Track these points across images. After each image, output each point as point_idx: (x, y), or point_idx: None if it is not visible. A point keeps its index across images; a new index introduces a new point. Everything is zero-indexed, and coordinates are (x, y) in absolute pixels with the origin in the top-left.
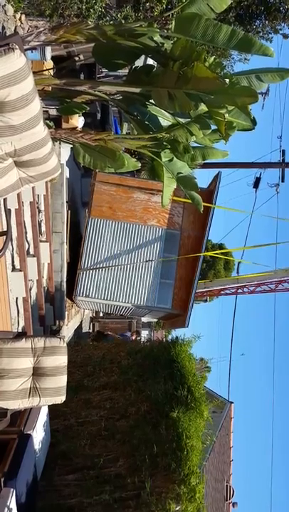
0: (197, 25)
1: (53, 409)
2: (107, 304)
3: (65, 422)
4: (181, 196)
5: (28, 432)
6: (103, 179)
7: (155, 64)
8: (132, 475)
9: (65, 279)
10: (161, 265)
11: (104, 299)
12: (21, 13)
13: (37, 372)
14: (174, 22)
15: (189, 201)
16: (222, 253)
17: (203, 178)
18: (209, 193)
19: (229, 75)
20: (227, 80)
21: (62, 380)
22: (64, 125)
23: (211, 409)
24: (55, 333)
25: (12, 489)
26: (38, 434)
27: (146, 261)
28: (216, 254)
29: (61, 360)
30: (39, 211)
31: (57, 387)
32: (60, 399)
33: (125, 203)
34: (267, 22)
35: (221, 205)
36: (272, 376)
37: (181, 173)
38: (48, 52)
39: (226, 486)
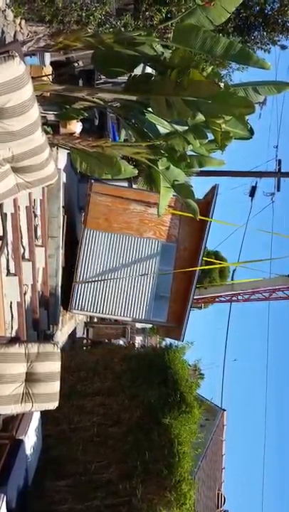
0: (196, 37)
1: (45, 414)
2: (102, 316)
3: (58, 428)
4: (178, 208)
5: (20, 437)
6: (99, 190)
7: (154, 72)
8: (124, 481)
9: (60, 284)
10: (157, 278)
11: (99, 313)
12: (21, 19)
13: (30, 378)
14: (173, 32)
15: (186, 214)
16: (218, 262)
17: (199, 187)
18: (206, 205)
19: (227, 85)
20: (222, 84)
21: (55, 386)
22: (62, 130)
23: (204, 416)
24: (49, 337)
25: (3, 495)
26: (30, 440)
27: (142, 275)
28: (212, 267)
29: (54, 365)
30: (35, 216)
31: (50, 393)
32: (53, 405)
33: (121, 214)
34: (265, 33)
35: (217, 213)
36: (266, 383)
37: (177, 180)
38: (47, 57)
39: (218, 493)
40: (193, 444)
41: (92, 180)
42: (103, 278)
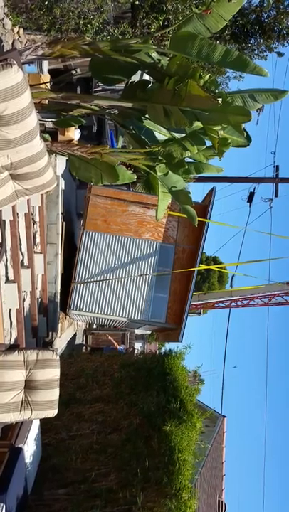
0: (192, 44)
1: (44, 422)
2: (100, 317)
3: (57, 436)
4: (175, 210)
5: (20, 446)
6: (98, 192)
7: (151, 79)
8: (124, 489)
9: (59, 291)
10: (155, 279)
11: (98, 313)
12: (19, 27)
13: (29, 385)
14: (169, 40)
15: (184, 216)
16: (216, 266)
17: (197, 191)
18: (204, 208)
19: (224, 93)
20: (220, 100)
21: (54, 394)
22: (60, 138)
23: (203, 423)
24: (47, 345)
25: (2, 504)
26: (30, 448)
27: (141, 275)
28: (210, 267)
29: (54, 373)
30: (34, 222)
31: (49, 401)
32: (52, 412)
33: (120, 216)
34: (262, 41)
35: (215, 219)
36: (266, 390)
37: (175, 187)
38: (45, 65)
39: (219, 501)
40: (193, 452)
41: (92, 183)
42: (102, 279)
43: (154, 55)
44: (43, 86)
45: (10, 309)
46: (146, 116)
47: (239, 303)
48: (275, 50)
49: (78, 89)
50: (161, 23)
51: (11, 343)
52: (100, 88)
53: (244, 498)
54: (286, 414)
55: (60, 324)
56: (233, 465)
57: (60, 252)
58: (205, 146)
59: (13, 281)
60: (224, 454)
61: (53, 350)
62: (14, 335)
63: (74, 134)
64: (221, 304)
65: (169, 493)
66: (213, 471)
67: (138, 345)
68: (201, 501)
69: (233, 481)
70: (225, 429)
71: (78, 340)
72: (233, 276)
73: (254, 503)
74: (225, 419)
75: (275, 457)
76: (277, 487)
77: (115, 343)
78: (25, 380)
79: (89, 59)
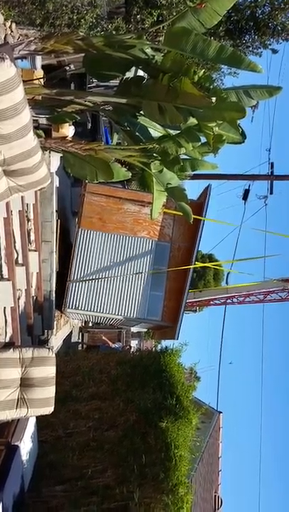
0: (187, 40)
1: (40, 420)
2: (96, 315)
3: (53, 433)
4: (171, 208)
5: (16, 443)
6: (93, 190)
7: (145, 76)
8: (121, 485)
9: (54, 289)
10: (151, 277)
11: (93, 311)
12: (12, 22)
13: (25, 383)
14: (164, 36)
15: (179, 213)
16: (212, 264)
17: (193, 189)
18: (199, 205)
19: (219, 89)
20: (214, 99)
21: (50, 391)
22: (54, 134)
23: (200, 419)
24: (43, 343)
25: None
26: (26, 446)
27: (136, 273)
28: (206, 265)
29: (49, 370)
30: (28, 220)
31: (45, 398)
32: (48, 410)
33: (115, 214)
34: (256, 37)
35: (211, 216)
36: (261, 385)
37: (171, 184)
38: (38, 61)
39: (215, 496)
40: (190, 448)
41: (87, 180)
42: (97, 277)
43: (149, 50)
44: (36, 82)
45: (4, 307)
46: (141, 112)
47: (235, 300)
48: (269, 47)
49: (72, 85)
50: (155, 18)
51: (6, 341)
52: (94, 84)
53: (241, 493)
54: (282, 410)
55: (55, 322)
56: (229, 460)
57: (55, 249)
58: (200, 143)
59: (8, 279)
60: (220, 450)
61: (48, 348)
62: (9, 333)
63: (68, 130)
64: (216, 301)
65: (165, 488)
66: (210, 467)
67: (134, 343)
68: (197, 496)
69: (229, 476)
70: (221, 424)
71: (74, 339)
72: (228, 273)
73: (251, 497)
74: (221, 414)
75: (271, 452)
76: (274, 482)
77: (110, 342)
78: (21, 378)
79: (83, 55)
